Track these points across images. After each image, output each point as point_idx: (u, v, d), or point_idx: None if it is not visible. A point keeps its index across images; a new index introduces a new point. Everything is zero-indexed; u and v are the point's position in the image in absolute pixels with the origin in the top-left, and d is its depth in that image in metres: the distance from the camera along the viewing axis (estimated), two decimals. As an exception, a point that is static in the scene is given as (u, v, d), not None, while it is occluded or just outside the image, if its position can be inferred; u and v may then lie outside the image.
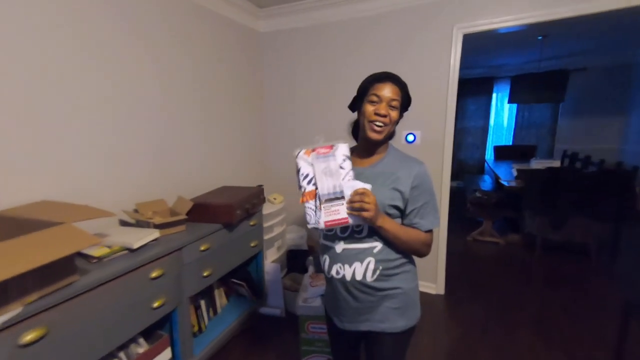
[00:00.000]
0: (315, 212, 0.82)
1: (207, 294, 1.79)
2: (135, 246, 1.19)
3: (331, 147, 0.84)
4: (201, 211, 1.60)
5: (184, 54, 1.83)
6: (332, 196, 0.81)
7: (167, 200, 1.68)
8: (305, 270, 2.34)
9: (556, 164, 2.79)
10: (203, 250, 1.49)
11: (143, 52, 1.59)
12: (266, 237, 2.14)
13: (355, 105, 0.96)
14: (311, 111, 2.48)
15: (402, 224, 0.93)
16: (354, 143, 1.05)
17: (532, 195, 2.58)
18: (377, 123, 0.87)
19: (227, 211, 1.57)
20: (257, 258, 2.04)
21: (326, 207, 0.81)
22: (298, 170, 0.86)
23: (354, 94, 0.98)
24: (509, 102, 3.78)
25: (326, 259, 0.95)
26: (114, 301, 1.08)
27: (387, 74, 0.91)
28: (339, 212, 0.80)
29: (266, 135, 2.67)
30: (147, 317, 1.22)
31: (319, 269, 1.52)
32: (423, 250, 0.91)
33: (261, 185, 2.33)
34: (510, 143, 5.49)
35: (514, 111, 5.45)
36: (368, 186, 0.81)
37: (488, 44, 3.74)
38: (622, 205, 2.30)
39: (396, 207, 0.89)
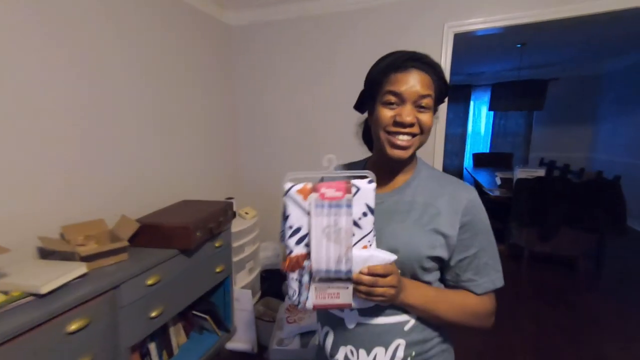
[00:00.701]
0: (300, 287, 0.53)
1: (159, 334, 1.46)
2: (44, 290, 0.86)
3: (347, 186, 0.51)
4: (151, 234, 1.28)
5: (134, 45, 1.52)
6: (333, 275, 0.51)
7: (109, 220, 1.34)
8: (281, 295, 2.06)
9: (541, 173, 2.71)
10: (151, 285, 1.17)
11: (76, 42, 1.26)
12: (236, 258, 1.84)
13: (364, 103, 0.67)
14: (289, 113, 2.22)
15: (445, 283, 0.65)
16: (364, 154, 0.78)
17: (520, 206, 2.47)
18: (401, 137, 0.59)
19: (184, 234, 1.27)
20: (224, 285, 1.73)
21: (320, 287, 0.52)
22: (285, 217, 0.54)
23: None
24: (489, 109, 3.75)
25: (329, 335, 0.66)
26: (6, 374, 0.76)
27: (409, 54, 0.59)
28: (339, 296, 0.52)
29: (238, 141, 2.37)
30: (62, 386, 0.89)
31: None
32: (480, 323, 0.63)
33: (231, 199, 2.03)
34: (488, 151, 5.55)
35: (491, 119, 5.52)
36: (393, 257, 0.53)
37: (468, 51, 3.69)
38: (612, 217, 2.24)
39: (437, 259, 0.61)
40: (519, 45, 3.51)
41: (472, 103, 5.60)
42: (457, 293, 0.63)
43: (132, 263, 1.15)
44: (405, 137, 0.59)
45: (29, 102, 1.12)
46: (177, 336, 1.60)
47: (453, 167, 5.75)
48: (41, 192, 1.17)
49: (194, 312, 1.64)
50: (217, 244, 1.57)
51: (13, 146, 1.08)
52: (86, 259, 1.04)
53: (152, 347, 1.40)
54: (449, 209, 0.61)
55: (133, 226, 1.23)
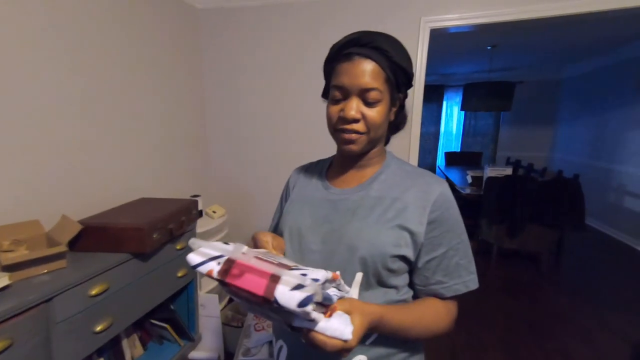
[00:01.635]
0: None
1: (108, 348, 1.30)
2: (-53, 310, 0.70)
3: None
4: (97, 237, 1.12)
5: (82, 27, 1.33)
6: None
7: (47, 221, 1.16)
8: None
9: (508, 171, 2.80)
10: (95, 295, 1.02)
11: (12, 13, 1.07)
12: (201, 261, 1.70)
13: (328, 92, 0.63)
14: (262, 104, 2.10)
15: (414, 289, 0.59)
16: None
17: (490, 203, 2.53)
18: (346, 134, 0.56)
19: (137, 236, 1.12)
20: (187, 290, 1.59)
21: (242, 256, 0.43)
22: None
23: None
24: (461, 109, 3.84)
25: (282, 350, 0.59)
26: None
27: (353, 38, 0.54)
28: (258, 285, 0.40)
29: (206, 133, 2.21)
30: None
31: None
32: (444, 329, 0.57)
33: (197, 196, 1.89)
34: (459, 149, 5.73)
35: (462, 119, 5.70)
36: (347, 337, 0.39)
37: (441, 50, 3.75)
38: (572, 214, 2.35)
39: (403, 259, 0.55)
40: (489, 47, 3.61)
41: (444, 103, 5.75)
42: (427, 302, 0.57)
43: (71, 271, 0.99)
44: (352, 132, 0.55)
45: None
46: (132, 348, 1.44)
47: (426, 164, 5.89)
48: (-45, 189, 0.98)
49: (152, 320, 1.49)
50: (178, 247, 1.43)
51: None
52: (10, 268, 0.88)
53: (101, 363, 1.24)
54: (416, 203, 0.55)
55: (74, 228, 1.06)
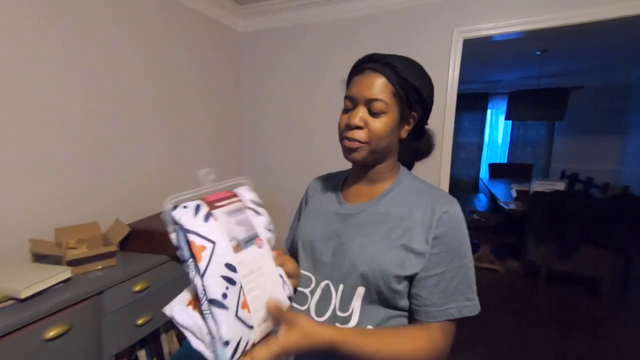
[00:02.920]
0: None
1: (150, 341, 1.44)
2: (24, 295, 0.85)
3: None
4: (143, 239, 1.27)
5: (140, 48, 1.54)
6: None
7: (105, 224, 1.35)
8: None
9: (560, 186, 2.55)
10: (138, 292, 1.16)
11: (82, 46, 1.29)
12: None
13: None
14: (294, 119, 2.20)
15: (411, 309, 0.57)
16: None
17: (536, 220, 2.32)
18: (348, 142, 0.59)
19: (175, 240, 1.25)
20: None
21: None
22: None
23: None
24: (506, 118, 3.59)
25: None
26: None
27: (370, 56, 0.60)
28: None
29: (242, 147, 2.37)
30: (38, 394, 0.87)
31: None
32: (423, 358, 0.51)
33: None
34: (505, 161, 5.33)
35: (509, 128, 5.31)
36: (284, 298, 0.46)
37: (485, 58, 3.57)
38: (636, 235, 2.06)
39: (408, 279, 0.55)
40: (538, 53, 3.36)
41: (489, 111, 5.42)
42: (387, 332, 0.53)
43: (119, 269, 1.14)
44: (353, 142, 0.58)
45: (24, 103, 1.14)
46: (170, 344, 1.57)
47: (468, 177, 5.56)
48: (37, 194, 1.18)
49: (188, 319, 1.62)
50: (212, 251, 1.54)
51: (8, 147, 1.10)
52: (72, 263, 1.04)
53: (142, 354, 1.37)
54: (423, 222, 0.56)
55: (124, 230, 1.22)
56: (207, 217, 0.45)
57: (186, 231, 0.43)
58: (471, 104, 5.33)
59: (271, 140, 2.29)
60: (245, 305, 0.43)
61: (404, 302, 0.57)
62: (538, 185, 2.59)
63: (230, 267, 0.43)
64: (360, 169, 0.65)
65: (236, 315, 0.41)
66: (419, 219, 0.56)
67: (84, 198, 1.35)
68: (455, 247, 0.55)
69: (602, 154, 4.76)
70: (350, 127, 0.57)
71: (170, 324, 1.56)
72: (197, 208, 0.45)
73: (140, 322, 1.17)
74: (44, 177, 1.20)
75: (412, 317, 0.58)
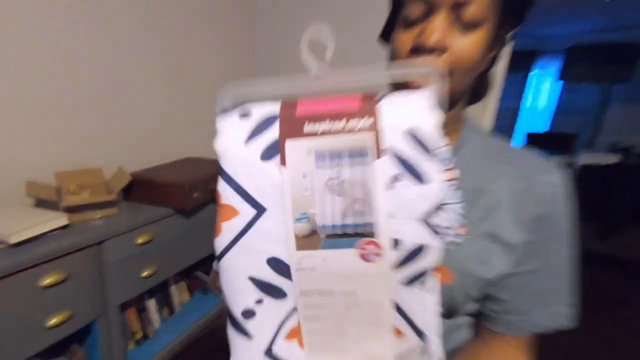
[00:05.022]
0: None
1: (159, 291, 1.43)
2: (13, 240, 0.80)
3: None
4: (145, 190, 1.19)
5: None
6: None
7: (107, 171, 1.27)
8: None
9: (613, 159, 2.23)
10: (141, 244, 1.10)
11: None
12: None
13: (389, 30, 0.41)
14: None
15: (483, 312, 0.43)
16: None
17: (581, 197, 2.07)
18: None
19: (179, 193, 1.16)
20: (230, 249, 1.66)
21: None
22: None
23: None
24: (560, 78, 3.12)
25: None
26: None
27: None
28: None
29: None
30: (38, 339, 0.86)
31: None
32: None
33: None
34: (546, 130, 4.81)
35: (556, 93, 4.72)
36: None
37: (538, 7, 3.03)
38: None
39: (490, 282, 0.39)
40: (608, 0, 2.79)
41: (534, 72, 4.80)
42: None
43: (121, 219, 1.07)
44: None
45: (26, 47, 1.01)
46: (180, 294, 1.58)
47: (500, 146, 5.15)
48: (36, 136, 1.10)
49: (198, 272, 1.61)
50: (221, 207, 1.46)
51: (6, 89, 1.00)
52: (70, 210, 0.97)
53: (152, 303, 1.38)
54: (511, 198, 0.37)
55: (125, 179, 1.14)
56: (271, 150, 0.25)
57: (220, 169, 0.25)
58: (513, 64, 4.73)
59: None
60: (294, 335, 0.25)
61: (470, 306, 0.42)
62: (588, 158, 2.28)
63: (277, 266, 0.25)
64: None
65: (267, 351, 0.25)
66: (504, 193, 0.38)
67: (90, 141, 1.26)
68: (560, 233, 0.39)
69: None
70: (424, 50, 0.34)
71: (180, 276, 1.55)
72: (265, 124, 0.25)
73: (145, 274, 1.13)
74: (44, 117, 1.11)
75: (477, 323, 0.44)
